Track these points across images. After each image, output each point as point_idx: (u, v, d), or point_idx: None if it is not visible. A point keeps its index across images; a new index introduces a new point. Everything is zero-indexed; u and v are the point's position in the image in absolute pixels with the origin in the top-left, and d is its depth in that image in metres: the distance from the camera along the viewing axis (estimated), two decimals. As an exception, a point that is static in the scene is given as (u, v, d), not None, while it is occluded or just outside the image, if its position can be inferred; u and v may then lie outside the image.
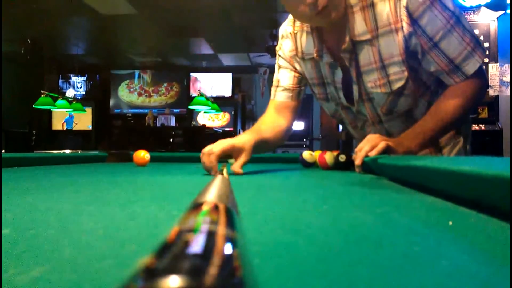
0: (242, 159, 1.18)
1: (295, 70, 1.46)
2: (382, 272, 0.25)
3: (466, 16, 4.07)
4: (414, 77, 1.23)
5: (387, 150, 1.10)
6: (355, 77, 1.27)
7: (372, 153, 1.08)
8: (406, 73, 1.20)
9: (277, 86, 1.51)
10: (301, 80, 1.47)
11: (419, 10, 1.12)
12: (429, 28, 1.13)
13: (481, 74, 1.19)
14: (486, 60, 4.18)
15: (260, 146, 1.30)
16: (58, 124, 8.75)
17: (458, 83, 1.18)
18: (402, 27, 1.14)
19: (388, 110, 1.31)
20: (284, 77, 1.48)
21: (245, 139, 1.22)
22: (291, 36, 1.41)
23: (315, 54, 1.32)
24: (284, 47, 1.45)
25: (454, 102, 1.18)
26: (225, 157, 1.21)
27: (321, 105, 1.53)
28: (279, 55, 1.50)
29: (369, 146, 1.10)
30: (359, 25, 1.18)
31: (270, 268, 0.25)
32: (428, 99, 1.29)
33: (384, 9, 1.15)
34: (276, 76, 1.53)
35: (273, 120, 1.49)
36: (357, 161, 1.12)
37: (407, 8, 1.12)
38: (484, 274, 0.25)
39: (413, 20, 1.13)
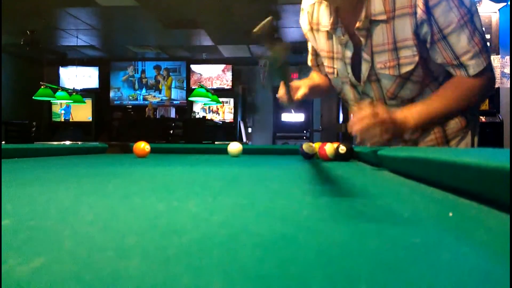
0: (301, 91, 1.41)
1: (312, 47, 1.56)
2: (383, 263, 0.25)
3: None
4: (424, 65, 1.23)
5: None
6: (369, 55, 1.27)
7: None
8: (417, 58, 1.20)
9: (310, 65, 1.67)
10: (317, 58, 1.58)
11: None
12: (442, 20, 1.13)
13: (488, 72, 1.19)
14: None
15: (315, 89, 1.52)
16: (58, 115, 8.74)
17: (466, 77, 1.18)
18: (415, 13, 1.14)
19: (394, 95, 1.30)
20: (308, 59, 1.64)
21: (301, 81, 1.47)
22: (310, 9, 1.43)
23: (329, 27, 1.34)
24: (302, 22, 1.51)
25: (458, 93, 1.20)
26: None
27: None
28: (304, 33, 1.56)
29: (371, 135, 1.10)
30: (377, 5, 1.19)
31: (271, 260, 0.25)
32: (434, 89, 1.28)
33: None
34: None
35: (317, 75, 1.65)
36: (354, 132, 1.12)
37: None
38: (484, 265, 0.25)
39: (428, 8, 1.12)
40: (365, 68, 1.30)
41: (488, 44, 1.24)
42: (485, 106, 4.22)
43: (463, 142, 1.36)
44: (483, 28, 1.19)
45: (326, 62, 1.46)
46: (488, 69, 1.18)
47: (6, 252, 0.26)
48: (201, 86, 6.63)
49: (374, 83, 1.33)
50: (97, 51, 8.10)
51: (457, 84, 1.20)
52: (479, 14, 1.17)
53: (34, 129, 7.27)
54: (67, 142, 3.52)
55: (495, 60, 4.13)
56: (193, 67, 8.66)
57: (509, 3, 4.09)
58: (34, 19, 5.96)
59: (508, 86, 4.13)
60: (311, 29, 1.45)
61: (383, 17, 1.19)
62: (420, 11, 1.13)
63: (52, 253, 0.26)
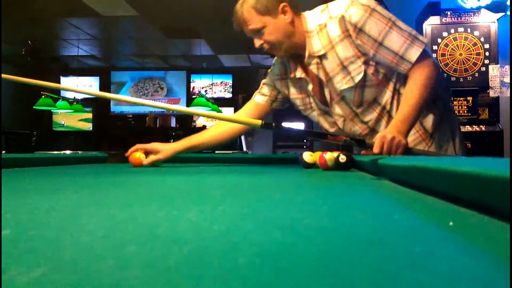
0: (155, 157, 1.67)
1: (275, 88, 1.77)
2: (382, 272, 0.25)
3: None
4: (374, 71, 1.49)
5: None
6: (326, 81, 1.55)
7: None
8: (363, 67, 1.48)
9: (258, 92, 1.83)
10: (277, 95, 1.77)
11: (361, 20, 1.42)
12: (373, 32, 1.42)
13: (426, 56, 1.42)
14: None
15: (190, 149, 1.76)
16: (58, 125, 8.75)
17: (413, 70, 1.41)
18: (349, 35, 1.45)
19: (359, 102, 1.55)
20: (265, 89, 1.80)
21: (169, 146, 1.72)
22: (280, 61, 1.71)
23: (291, 74, 1.63)
24: (274, 70, 1.76)
25: (414, 85, 1.39)
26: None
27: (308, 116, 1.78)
28: (268, 74, 1.80)
29: (388, 150, 1.26)
30: (316, 44, 1.51)
31: (270, 269, 0.25)
32: (392, 88, 1.53)
33: (333, 27, 1.47)
34: (260, 88, 1.85)
35: (219, 125, 1.84)
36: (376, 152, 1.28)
37: (350, 22, 1.43)
38: (484, 274, 0.25)
39: (359, 29, 1.42)
40: (327, 91, 1.58)
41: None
42: (485, 115, 4.23)
43: (444, 137, 1.57)
44: (415, 30, 1.45)
45: (300, 102, 1.70)
46: (426, 54, 1.41)
47: (6, 262, 0.26)
48: (201, 96, 6.65)
49: (339, 103, 1.58)
50: (97, 60, 8.14)
51: (412, 80, 1.41)
52: (401, 22, 1.44)
53: (34, 138, 7.27)
54: (68, 152, 3.53)
55: (494, 69, 4.15)
56: (193, 76, 8.69)
57: (508, 13, 4.11)
58: (35, 28, 5.99)
59: (508, 95, 4.14)
60: (283, 78, 1.71)
61: (323, 51, 1.50)
62: (352, 33, 1.44)
63: (52, 262, 0.26)
